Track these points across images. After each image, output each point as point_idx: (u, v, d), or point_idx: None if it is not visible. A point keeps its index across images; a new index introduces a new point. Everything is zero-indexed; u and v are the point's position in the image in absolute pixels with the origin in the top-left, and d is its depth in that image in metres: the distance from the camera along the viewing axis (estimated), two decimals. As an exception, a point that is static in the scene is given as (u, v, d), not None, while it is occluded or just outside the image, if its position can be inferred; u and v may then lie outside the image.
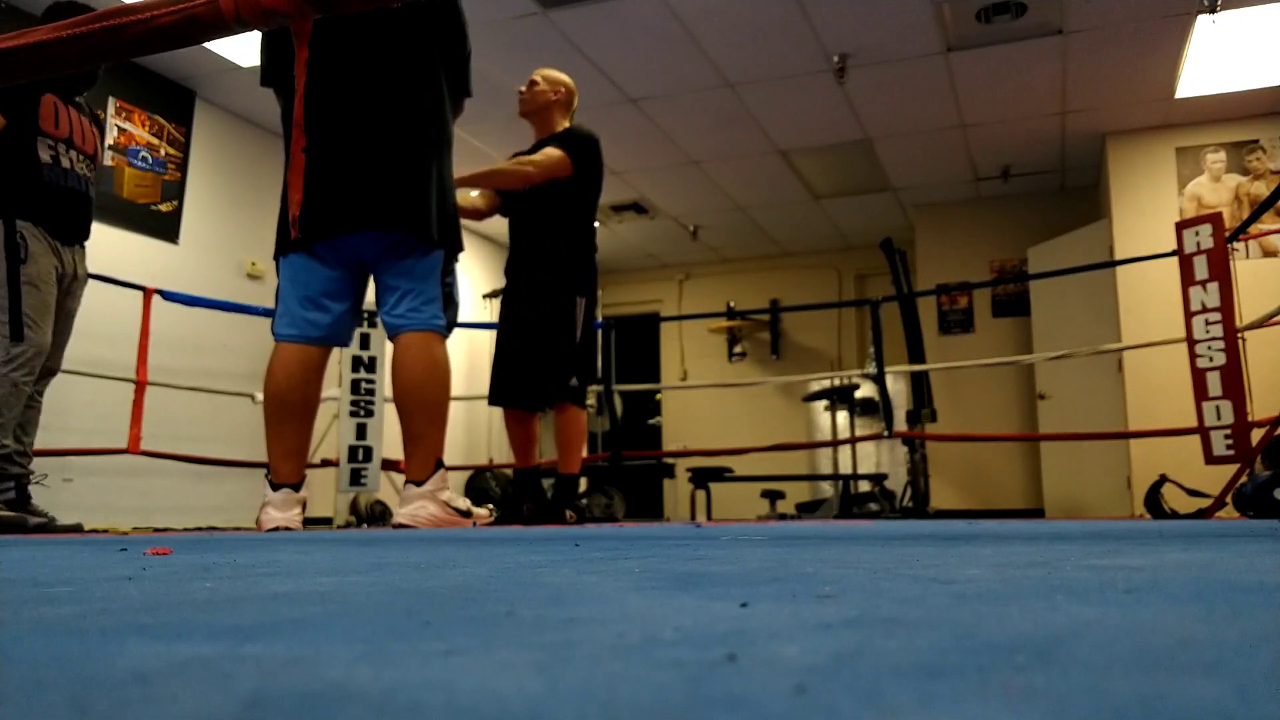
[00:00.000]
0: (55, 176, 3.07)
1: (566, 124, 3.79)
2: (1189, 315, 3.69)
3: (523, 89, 3.77)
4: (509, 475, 7.66)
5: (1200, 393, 3.63)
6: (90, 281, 4.31)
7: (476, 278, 7.83)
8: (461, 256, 2.95)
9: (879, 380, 4.91)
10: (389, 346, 2.87)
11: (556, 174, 3.56)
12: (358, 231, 2.67)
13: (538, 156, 3.56)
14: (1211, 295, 3.64)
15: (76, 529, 3.12)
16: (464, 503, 2.81)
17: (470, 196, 3.74)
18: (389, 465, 5.23)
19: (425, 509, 2.67)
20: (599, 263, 3.91)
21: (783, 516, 6.68)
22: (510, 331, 3.71)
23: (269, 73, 2.84)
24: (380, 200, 2.65)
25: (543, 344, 3.59)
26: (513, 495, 3.88)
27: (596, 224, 4.00)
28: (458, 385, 7.62)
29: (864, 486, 6.53)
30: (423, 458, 2.71)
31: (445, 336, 2.80)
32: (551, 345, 3.58)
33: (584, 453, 4.26)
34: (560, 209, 3.63)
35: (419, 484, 2.69)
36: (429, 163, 2.72)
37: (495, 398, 3.72)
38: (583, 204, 3.72)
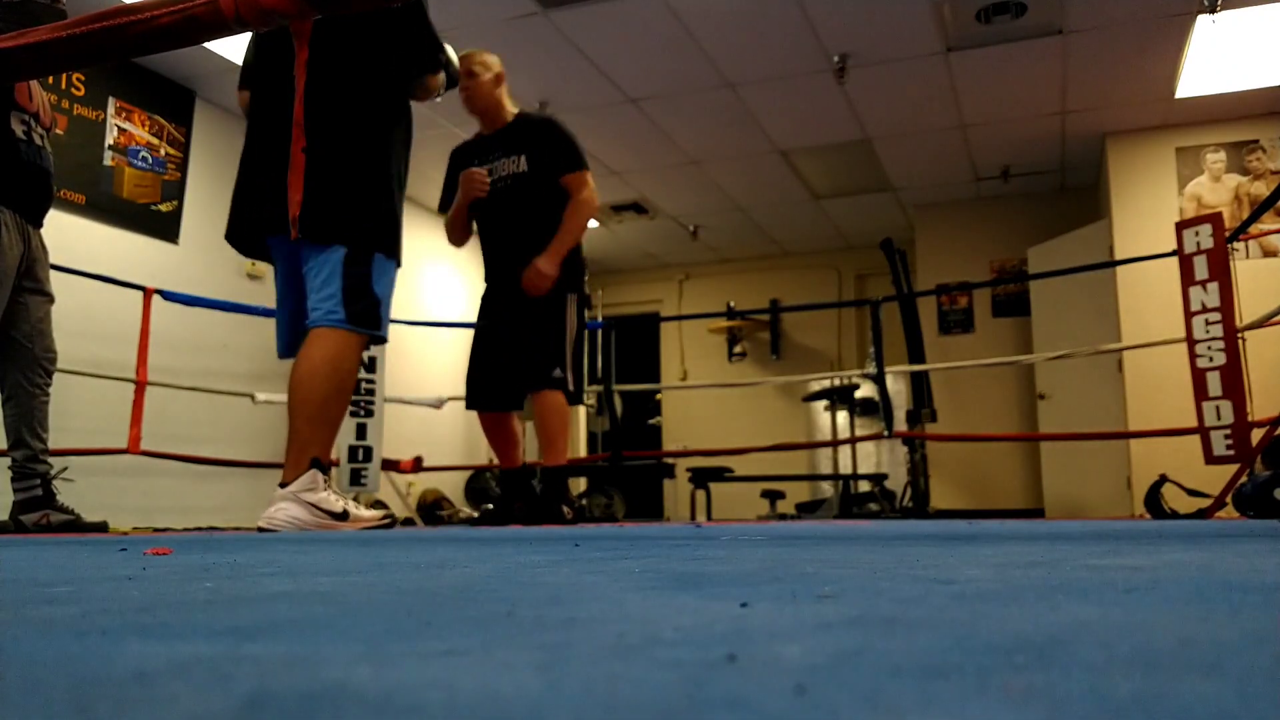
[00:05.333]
0: (31, 155, 2.95)
1: (512, 105, 3.65)
2: (1189, 315, 3.69)
3: (464, 82, 3.51)
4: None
5: (1200, 393, 3.63)
6: (90, 281, 4.32)
7: (474, 278, 7.82)
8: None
9: (879, 380, 4.91)
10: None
11: None
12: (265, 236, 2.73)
13: (591, 187, 3.56)
14: (1211, 295, 3.63)
15: (101, 527, 3.11)
16: (341, 504, 2.60)
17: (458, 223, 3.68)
18: (389, 465, 5.24)
19: (285, 511, 2.49)
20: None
21: (783, 516, 6.68)
22: (495, 333, 3.60)
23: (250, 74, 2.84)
24: (266, 206, 2.69)
25: (533, 341, 3.49)
26: (502, 497, 3.78)
27: (595, 223, 3.95)
28: (458, 385, 7.62)
29: (864, 486, 6.53)
30: (295, 458, 2.54)
31: (353, 331, 2.63)
32: (541, 341, 3.48)
33: (571, 446, 4.08)
34: (546, 207, 3.52)
35: (284, 485, 2.53)
36: (320, 163, 2.66)
37: (473, 401, 3.64)
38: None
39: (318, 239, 2.63)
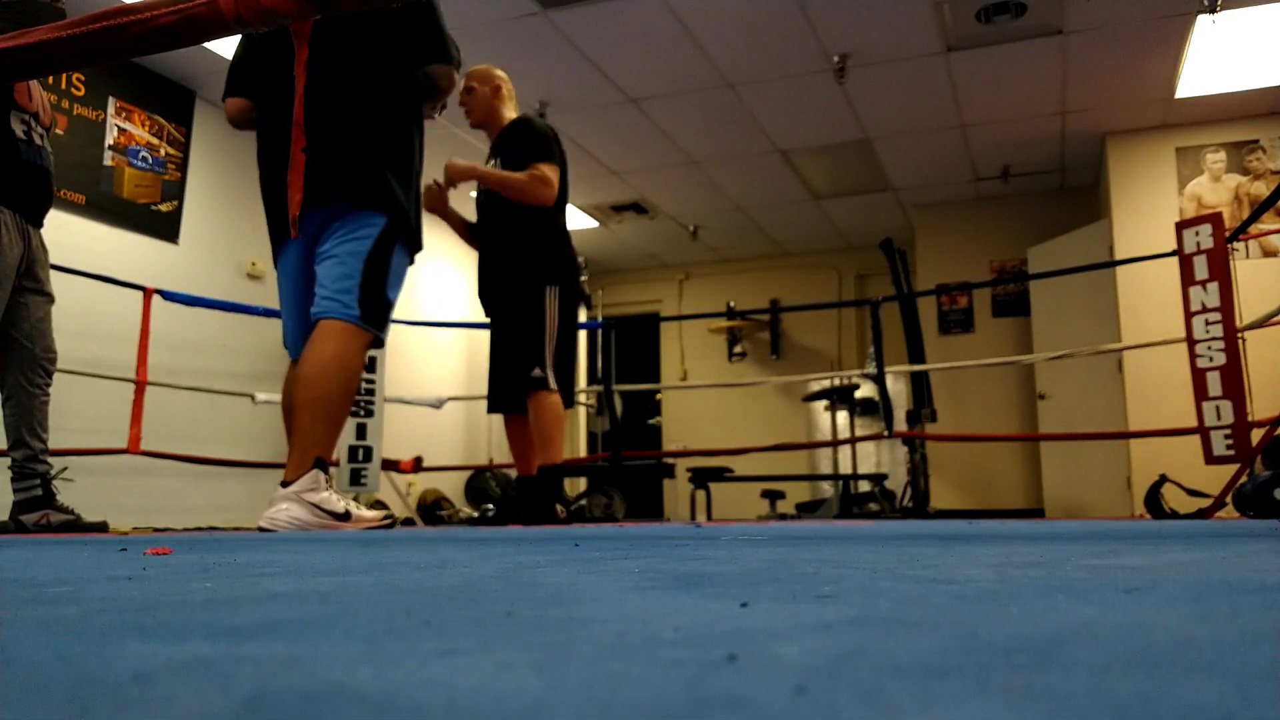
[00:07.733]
0: (31, 155, 2.95)
1: (513, 114, 3.73)
2: (1189, 315, 3.69)
3: (463, 98, 3.68)
4: (509, 476, 7.66)
5: (1200, 393, 3.63)
6: (90, 281, 4.32)
7: (474, 278, 7.82)
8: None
9: (879, 380, 4.91)
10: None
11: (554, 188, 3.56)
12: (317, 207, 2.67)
13: (546, 174, 3.50)
14: (1211, 295, 3.64)
15: (101, 527, 3.11)
16: (343, 504, 2.58)
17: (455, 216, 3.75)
18: (389, 465, 5.24)
19: (286, 511, 2.46)
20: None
21: (783, 516, 6.68)
22: (495, 332, 3.74)
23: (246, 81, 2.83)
24: (325, 177, 2.65)
25: (516, 338, 3.55)
26: (504, 499, 3.80)
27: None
28: (458, 385, 7.64)
29: (864, 486, 6.53)
30: (298, 457, 2.52)
31: (363, 328, 2.62)
32: (521, 340, 3.53)
33: (571, 446, 4.14)
34: (519, 208, 3.56)
35: (286, 484, 2.51)
36: (377, 143, 2.67)
37: (491, 404, 3.75)
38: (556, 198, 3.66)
39: (361, 205, 2.63)
